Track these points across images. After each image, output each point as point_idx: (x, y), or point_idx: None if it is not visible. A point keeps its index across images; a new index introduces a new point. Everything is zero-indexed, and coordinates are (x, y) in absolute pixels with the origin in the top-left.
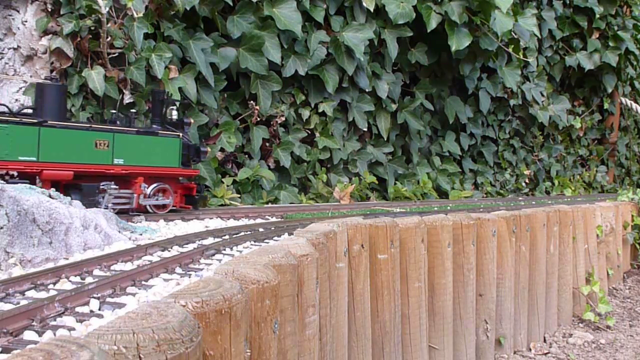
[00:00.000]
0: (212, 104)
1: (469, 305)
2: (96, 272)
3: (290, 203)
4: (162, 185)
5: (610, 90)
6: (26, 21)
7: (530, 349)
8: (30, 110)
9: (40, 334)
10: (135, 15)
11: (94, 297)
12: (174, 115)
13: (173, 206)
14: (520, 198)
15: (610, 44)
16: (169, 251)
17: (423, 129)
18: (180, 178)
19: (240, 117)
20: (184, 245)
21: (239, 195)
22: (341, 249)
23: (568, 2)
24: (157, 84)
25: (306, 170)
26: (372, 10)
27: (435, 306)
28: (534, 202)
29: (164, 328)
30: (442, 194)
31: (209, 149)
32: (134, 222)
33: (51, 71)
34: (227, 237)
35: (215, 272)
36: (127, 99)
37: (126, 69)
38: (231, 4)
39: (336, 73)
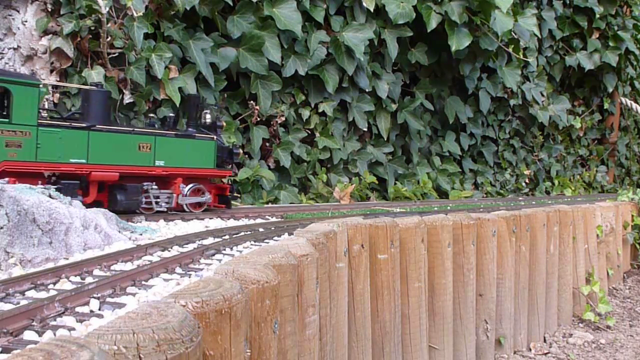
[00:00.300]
0: (213, 103)
1: (469, 305)
2: (96, 272)
3: (290, 203)
4: (198, 185)
5: (610, 90)
6: (26, 21)
7: (530, 349)
8: (74, 115)
9: (40, 334)
10: (135, 15)
11: (94, 297)
12: (208, 118)
13: (207, 205)
14: (520, 198)
15: (610, 44)
16: (169, 251)
17: (423, 129)
18: (214, 178)
19: (240, 117)
20: (184, 245)
21: (239, 195)
22: (341, 249)
23: (568, 2)
24: (157, 84)
25: (306, 170)
26: (372, 10)
27: (435, 306)
28: (534, 202)
29: (164, 328)
30: (442, 194)
31: (240, 151)
32: (134, 222)
33: (51, 71)
34: (227, 237)
35: (215, 272)
36: (127, 99)
37: (126, 69)
38: (231, 4)
39: (336, 73)
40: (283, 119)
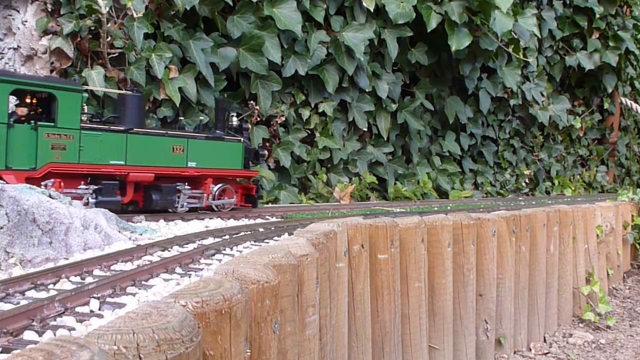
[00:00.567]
0: (212, 104)
1: (469, 305)
2: (96, 272)
3: (290, 203)
4: (226, 185)
5: (610, 90)
6: (26, 21)
7: (530, 349)
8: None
9: (40, 334)
10: (135, 15)
11: (94, 297)
12: (234, 121)
13: (234, 205)
14: (520, 198)
15: (610, 44)
16: (169, 251)
17: (423, 129)
18: (240, 179)
19: (240, 117)
20: (184, 245)
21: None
22: (341, 249)
23: (568, 2)
24: (157, 84)
25: (306, 170)
26: (372, 10)
27: (435, 306)
28: (534, 202)
29: (164, 328)
30: (442, 194)
31: (265, 152)
32: (134, 222)
33: (51, 71)
34: (227, 237)
35: (215, 272)
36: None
37: (126, 69)
38: (231, 4)
39: (336, 73)
40: (283, 119)
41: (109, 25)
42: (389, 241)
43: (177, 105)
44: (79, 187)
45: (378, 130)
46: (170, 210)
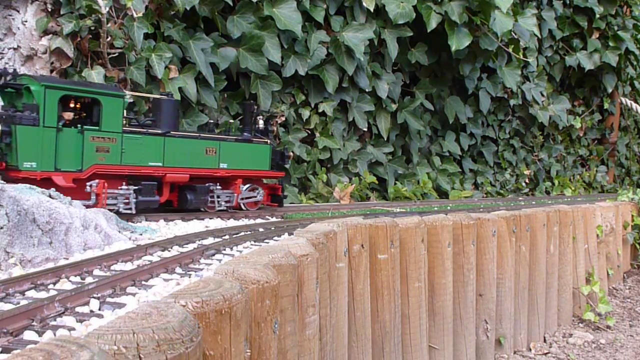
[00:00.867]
0: (212, 104)
1: (469, 305)
2: (96, 272)
3: (290, 203)
4: (254, 185)
5: (610, 90)
6: (26, 21)
7: (530, 349)
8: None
9: (40, 334)
10: (135, 15)
11: (94, 297)
12: (261, 124)
13: (261, 204)
14: (520, 198)
15: (610, 44)
16: (169, 251)
17: (423, 129)
18: (267, 179)
19: (240, 117)
20: (184, 245)
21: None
22: (341, 249)
23: (568, 2)
24: (157, 84)
25: (306, 170)
26: (372, 10)
27: (435, 306)
28: (534, 202)
29: (164, 328)
30: (442, 194)
31: (291, 154)
32: (134, 222)
33: (51, 71)
34: (227, 237)
35: (215, 272)
36: (127, 99)
37: (126, 69)
38: (231, 4)
39: (336, 73)
40: (283, 119)
41: (109, 25)
42: (389, 241)
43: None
44: (120, 187)
45: (378, 130)
46: (202, 209)
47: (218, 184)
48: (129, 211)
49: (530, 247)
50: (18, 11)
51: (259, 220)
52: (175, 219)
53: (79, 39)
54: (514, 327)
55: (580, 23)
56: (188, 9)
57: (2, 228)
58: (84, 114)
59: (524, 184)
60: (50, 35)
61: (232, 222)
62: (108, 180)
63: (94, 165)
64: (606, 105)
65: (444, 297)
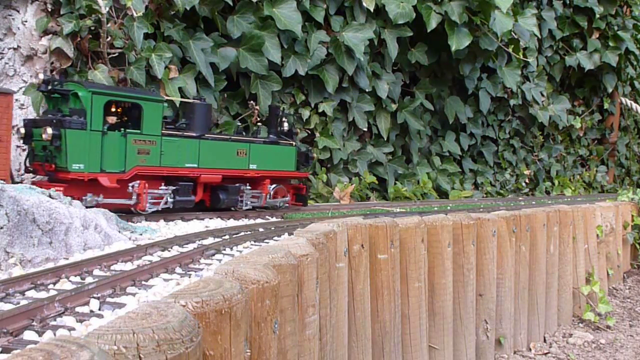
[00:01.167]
0: (212, 104)
1: (469, 305)
2: (96, 272)
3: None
4: (280, 186)
5: (610, 90)
6: (26, 21)
7: (530, 349)
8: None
9: (40, 334)
10: (135, 15)
11: (94, 297)
12: (286, 126)
13: (287, 204)
14: (520, 198)
15: (610, 44)
16: (169, 251)
17: (423, 129)
18: (293, 179)
19: (240, 117)
20: (184, 245)
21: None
22: (341, 249)
23: (568, 2)
24: (157, 84)
25: (306, 170)
26: (372, 10)
27: (435, 306)
28: (534, 202)
29: (164, 328)
30: (442, 194)
31: (315, 155)
32: (134, 222)
33: (51, 71)
34: (227, 237)
35: (215, 272)
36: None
37: (126, 69)
38: (231, 4)
39: (336, 73)
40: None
41: (109, 25)
42: (389, 241)
43: (177, 106)
44: (159, 187)
45: (378, 130)
46: (233, 208)
47: (248, 184)
48: (166, 211)
49: (530, 247)
50: (18, 11)
51: (259, 220)
52: (175, 218)
53: (79, 39)
54: (514, 327)
55: (580, 23)
56: (188, 9)
57: (2, 228)
58: (125, 118)
59: (524, 184)
60: (50, 35)
61: (232, 222)
62: (148, 180)
63: (135, 166)
64: (606, 105)
65: (444, 297)
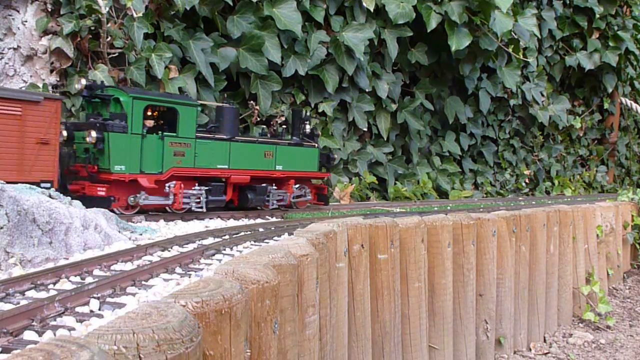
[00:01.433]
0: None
1: (469, 305)
2: (96, 272)
3: None
4: (303, 185)
5: (610, 90)
6: (26, 21)
7: (530, 349)
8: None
9: (40, 334)
10: (135, 15)
11: (94, 297)
12: (307, 128)
13: (309, 203)
14: (520, 198)
15: (610, 44)
16: (169, 251)
17: (423, 129)
18: (314, 180)
19: (240, 117)
20: (184, 245)
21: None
22: (341, 249)
23: (568, 2)
24: (157, 84)
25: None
26: (372, 10)
27: (435, 306)
28: (534, 202)
29: (164, 328)
30: (442, 194)
31: (336, 156)
32: (134, 222)
33: (51, 71)
34: (227, 237)
35: (215, 272)
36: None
37: (126, 69)
38: (231, 4)
39: (336, 73)
40: (283, 118)
41: (109, 25)
42: (389, 241)
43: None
44: (193, 187)
45: (378, 130)
46: (259, 207)
47: (274, 184)
48: (200, 210)
49: (530, 247)
50: (18, 11)
51: (259, 220)
52: (175, 219)
53: (79, 39)
54: (514, 327)
55: (580, 23)
56: (188, 9)
57: (2, 228)
58: (162, 122)
59: (524, 184)
60: (50, 35)
61: (232, 222)
62: (184, 181)
63: (172, 167)
64: (606, 105)
65: (444, 297)
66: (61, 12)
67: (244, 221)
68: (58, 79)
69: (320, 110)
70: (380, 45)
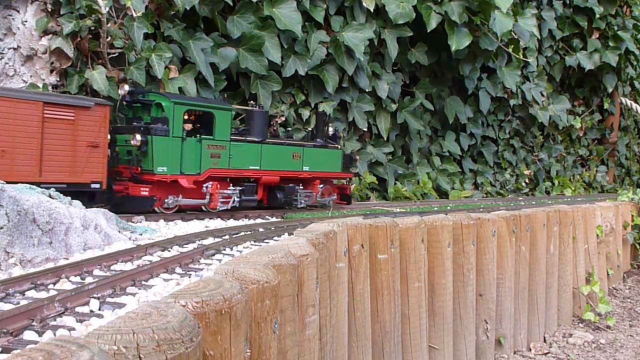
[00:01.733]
0: None
1: (469, 305)
2: (96, 272)
3: None
4: (327, 186)
5: (610, 90)
6: (26, 21)
7: (530, 349)
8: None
9: (40, 334)
10: (134, 15)
11: (94, 297)
12: (331, 131)
13: (333, 202)
14: (520, 198)
15: (610, 44)
16: (169, 251)
17: (423, 129)
18: (336, 180)
19: (240, 117)
20: (184, 245)
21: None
22: (341, 249)
23: (568, 2)
24: (157, 84)
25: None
26: (372, 10)
27: (435, 306)
28: (534, 202)
29: (164, 328)
30: (442, 194)
31: (358, 157)
32: (134, 222)
33: (51, 71)
34: (227, 237)
35: (215, 272)
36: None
37: (126, 69)
38: (231, 4)
39: (336, 73)
40: (283, 119)
41: (109, 25)
42: (389, 241)
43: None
44: (228, 188)
45: (378, 130)
46: (287, 207)
47: (300, 184)
48: (234, 209)
49: (530, 247)
50: (18, 11)
51: (259, 220)
52: (175, 219)
53: (79, 39)
54: (514, 327)
55: (580, 23)
56: (188, 9)
57: (2, 228)
58: (199, 125)
59: (524, 184)
60: (50, 35)
61: (232, 222)
62: (220, 182)
63: (209, 169)
64: (606, 105)
65: (444, 297)
66: (61, 12)
67: (244, 221)
68: (58, 79)
69: (320, 110)
70: (380, 45)
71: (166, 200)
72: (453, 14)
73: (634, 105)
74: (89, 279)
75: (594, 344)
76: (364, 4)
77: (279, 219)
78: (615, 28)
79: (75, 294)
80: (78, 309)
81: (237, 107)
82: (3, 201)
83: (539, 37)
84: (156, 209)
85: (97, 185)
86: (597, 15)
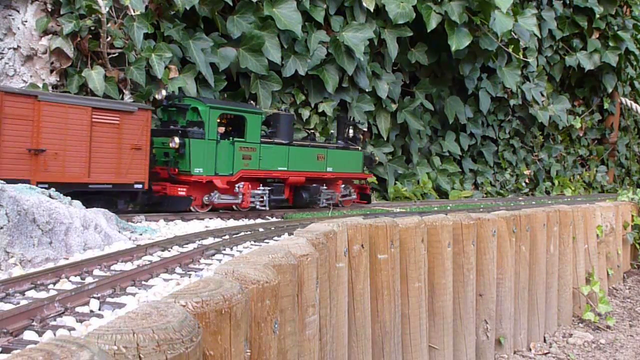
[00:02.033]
0: None
1: (469, 305)
2: (96, 272)
3: None
4: (348, 186)
5: (610, 90)
6: (26, 21)
7: (530, 349)
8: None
9: (40, 334)
10: (133, 14)
11: (94, 297)
12: (351, 133)
13: (353, 202)
14: (520, 198)
15: (610, 44)
16: (169, 251)
17: (423, 129)
18: (357, 180)
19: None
20: (184, 245)
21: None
22: (341, 249)
23: (568, 2)
24: (157, 84)
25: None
26: (372, 10)
27: (435, 306)
28: (534, 202)
29: (164, 328)
30: (442, 194)
31: (377, 159)
32: (134, 222)
33: (51, 71)
34: (227, 237)
35: (215, 272)
36: (127, 99)
37: (126, 69)
38: (231, 4)
39: (336, 73)
40: None
41: (109, 25)
42: (389, 241)
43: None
44: (258, 188)
45: (378, 130)
46: (312, 206)
47: (324, 184)
48: (263, 208)
49: (530, 247)
50: (18, 11)
51: (259, 220)
52: (175, 219)
53: (79, 39)
54: (514, 327)
55: (580, 23)
56: (188, 9)
57: (2, 228)
58: (230, 128)
59: (524, 184)
60: (50, 35)
61: (232, 222)
62: (251, 182)
63: (241, 170)
64: (606, 105)
65: (444, 297)
66: (61, 12)
67: (244, 221)
68: (58, 79)
69: (320, 110)
70: (380, 45)
71: (206, 197)
72: (453, 14)
73: (634, 105)
74: (89, 279)
75: (594, 344)
76: (364, 4)
77: (279, 219)
78: (615, 28)
79: (75, 294)
80: (78, 309)
81: (267, 110)
82: (3, 201)
83: (539, 37)
84: (192, 208)
85: (140, 186)
86: (597, 15)
